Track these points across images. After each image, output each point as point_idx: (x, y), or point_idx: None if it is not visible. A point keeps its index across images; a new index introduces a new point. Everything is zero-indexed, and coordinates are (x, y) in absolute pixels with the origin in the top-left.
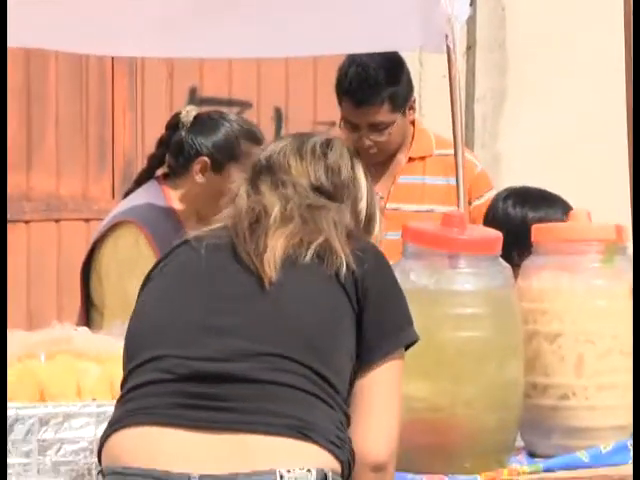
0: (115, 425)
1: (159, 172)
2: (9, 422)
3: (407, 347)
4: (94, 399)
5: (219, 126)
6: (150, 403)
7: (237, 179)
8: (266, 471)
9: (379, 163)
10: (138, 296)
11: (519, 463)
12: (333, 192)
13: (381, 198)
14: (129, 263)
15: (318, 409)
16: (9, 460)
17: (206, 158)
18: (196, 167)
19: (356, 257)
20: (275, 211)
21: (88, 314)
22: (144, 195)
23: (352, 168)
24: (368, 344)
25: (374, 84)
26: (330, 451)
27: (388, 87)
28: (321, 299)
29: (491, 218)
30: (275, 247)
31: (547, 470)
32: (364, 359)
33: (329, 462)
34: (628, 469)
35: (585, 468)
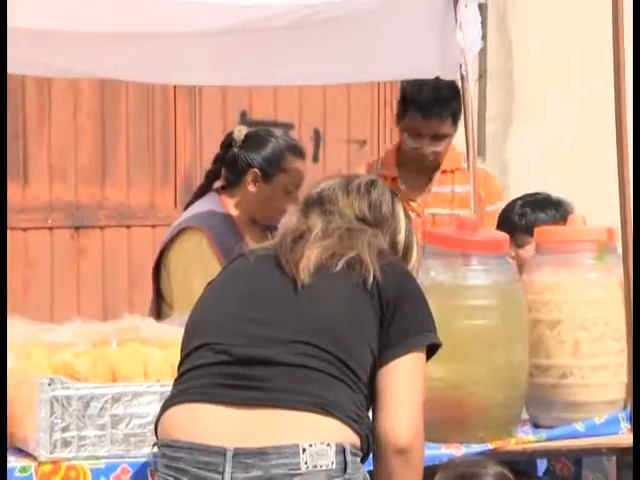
0: (167, 403)
1: (217, 184)
2: (86, 399)
3: (431, 353)
4: (158, 380)
5: (267, 142)
6: (195, 384)
7: (291, 210)
8: (291, 445)
9: (420, 174)
10: (201, 294)
11: (525, 433)
12: (374, 224)
13: (418, 204)
14: (193, 262)
15: (339, 390)
16: (85, 432)
17: (257, 170)
18: (248, 178)
19: (383, 271)
20: (317, 229)
21: (159, 306)
22: (205, 204)
23: (392, 204)
24: (389, 343)
25: (444, 100)
26: (349, 426)
27: (453, 103)
28: (347, 300)
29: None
30: (310, 256)
31: (549, 439)
32: (385, 355)
33: (348, 436)
34: (619, 438)
35: (582, 437)
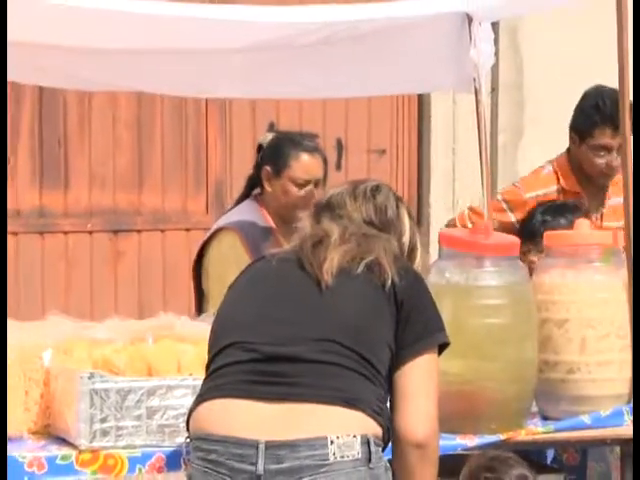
0: (199, 399)
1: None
2: (123, 392)
3: (441, 349)
4: (191, 374)
5: (277, 141)
6: (227, 380)
7: (304, 217)
8: (320, 437)
9: (598, 188)
10: (225, 294)
11: (534, 425)
12: (381, 227)
13: (596, 219)
14: (228, 260)
15: (362, 384)
16: (123, 423)
17: (267, 167)
18: (264, 178)
19: (399, 274)
20: (335, 234)
21: (200, 303)
22: (242, 208)
23: (397, 208)
24: (405, 343)
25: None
26: (373, 418)
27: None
28: (367, 300)
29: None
30: (333, 259)
31: (557, 430)
32: (402, 354)
33: (372, 428)
34: (623, 430)
35: (588, 429)
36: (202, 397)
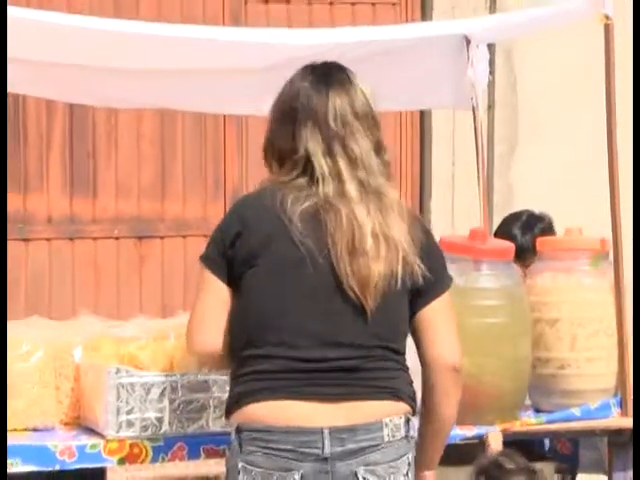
0: (255, 396)
1: None
2: (147, 386)
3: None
4: (209, 369)
5: None
6: (280, 384)
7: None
8: (375, 422)
9: None
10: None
11: (528, 417)
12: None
13: None
14: None
15: (400, 376)
16: (147, 415)
17: None
18: None
19: (419, 250)
20: (361, 219)
21: None
22: None
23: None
24: (430, 287)
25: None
26: (409, 402)
27: None
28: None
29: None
30: (375, 279)
31: (549, 422)
32: (425, 299)
33: (409, 410)
34: (611, 421)
35: (578, 421)
36: (256, 395)
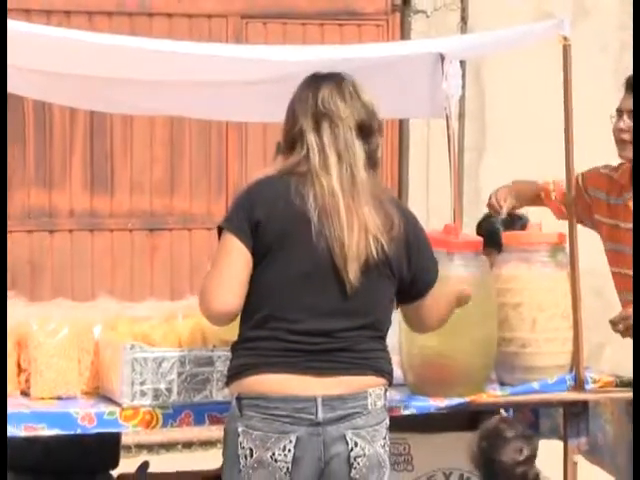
0: (255, 369)
1: None
2: (158, 361)
3: None
4: (214, 346)
5: None
6: (280, 361)
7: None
8: (361, 392)
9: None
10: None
11: (494, 390)
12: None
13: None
14: None
15: (382, 356)
16: (158, 386)
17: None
18: None
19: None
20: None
21: None
22: None
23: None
24: (423, 277)
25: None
26: (388, 380)
27: None
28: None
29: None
30: (354, 258)
31: (512, 394)
32: (419, 291)
33: (386, 383)
34: (566, 395)
35: (537, 393)
36: (256, 368)
